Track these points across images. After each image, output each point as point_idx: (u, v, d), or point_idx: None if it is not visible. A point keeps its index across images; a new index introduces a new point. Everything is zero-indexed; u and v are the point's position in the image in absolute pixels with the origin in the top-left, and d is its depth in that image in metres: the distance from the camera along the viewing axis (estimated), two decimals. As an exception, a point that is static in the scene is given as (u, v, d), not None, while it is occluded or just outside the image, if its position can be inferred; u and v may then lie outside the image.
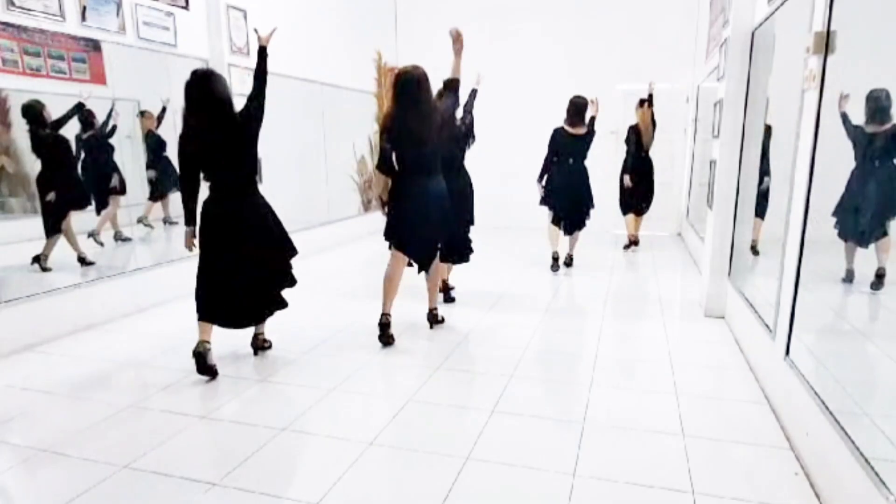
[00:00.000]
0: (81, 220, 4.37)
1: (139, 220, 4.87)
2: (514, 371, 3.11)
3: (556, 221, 5.44)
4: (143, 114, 4.72)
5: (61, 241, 4.14)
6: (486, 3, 7.91)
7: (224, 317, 3.09)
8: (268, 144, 5.48)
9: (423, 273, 3.74)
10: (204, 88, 2.90)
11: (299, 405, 2.74)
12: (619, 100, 7.42)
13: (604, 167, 6.66)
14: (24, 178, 3.99)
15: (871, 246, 2.85)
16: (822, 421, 1.98)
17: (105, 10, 3.98)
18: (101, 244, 4.52)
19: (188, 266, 3.44)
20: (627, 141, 6.36)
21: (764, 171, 3.77)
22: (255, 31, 3.12)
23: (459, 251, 4.28)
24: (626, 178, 6.32)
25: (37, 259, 4.03)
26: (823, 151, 2.22)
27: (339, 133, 7.17)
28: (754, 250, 4.01)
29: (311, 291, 4.82)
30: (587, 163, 5.38)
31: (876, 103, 2.53)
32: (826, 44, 2.15)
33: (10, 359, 3.37)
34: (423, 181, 3.44)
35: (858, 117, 2.61)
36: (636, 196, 6.38)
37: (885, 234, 2.77)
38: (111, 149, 4.46)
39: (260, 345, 3.36)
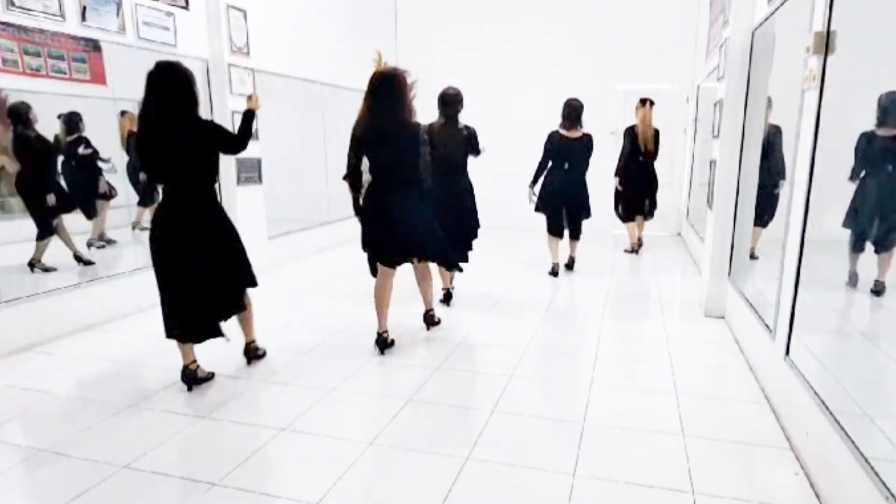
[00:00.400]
0: (79, 221, 4.40)
1: (133, 227, 4.80)
2: (514, 371, 3.11)
3: (551, 231, 5.24)
4: (123, 113, 4.46)
5: (54, 242, 4.15)
6: (485, 4, 7.92)
7: (191, 329, 2.88)
8: (268, 144, 5.54)
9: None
10: (168, 78, 2.67)
11: (299, 405, 2.74)
12: (619, 100, 7.42)
13: (603, 168, 6.64)
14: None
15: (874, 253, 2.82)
16: (822, 421, 1.98)
17: (105, 10, 3.97)
18: (103, 246, 4.53)
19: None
20: (624, 142, 6.07)
21: (778, 173, 3.61)
22: (247, 95, 3.09)
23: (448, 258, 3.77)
24: (617, 182, 6.10)
25: (31, 265, 4.04)
26: (823, 152, 2.22)
27: (340, 133, 7.16)
28: (752, 257, 4.00)
29: (311, 291, 4.83)
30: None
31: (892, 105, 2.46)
32: (826, 44, 2.15)
33: (10, 359, 3.37)
34: (397, 192, 3.21)
35: (859, 118, 2.61)
36: (635, 203, 6.12)
37: (892, 245, 2.72)
38: (96, 154, 4.42)
39: (253, 354, 3.25)
